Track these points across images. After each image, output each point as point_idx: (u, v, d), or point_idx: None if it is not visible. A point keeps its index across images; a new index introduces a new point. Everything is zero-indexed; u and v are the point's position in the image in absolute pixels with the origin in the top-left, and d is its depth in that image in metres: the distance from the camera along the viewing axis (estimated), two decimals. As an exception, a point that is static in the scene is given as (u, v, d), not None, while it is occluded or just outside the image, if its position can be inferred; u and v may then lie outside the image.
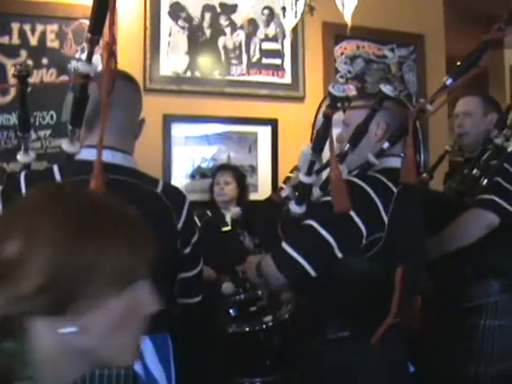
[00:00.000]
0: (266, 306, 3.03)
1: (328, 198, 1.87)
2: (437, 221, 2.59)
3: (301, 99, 4.25)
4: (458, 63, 2.04)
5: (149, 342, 1.73)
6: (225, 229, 3.53)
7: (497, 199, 2.50)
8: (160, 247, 1.78)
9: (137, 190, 1.77)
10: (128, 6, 3.81)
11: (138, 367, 1.70)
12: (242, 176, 3.79)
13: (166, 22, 3.93)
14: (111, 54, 1.63)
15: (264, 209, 2.53)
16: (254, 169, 4.13)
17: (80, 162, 1.80)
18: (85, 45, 3.66)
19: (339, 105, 1.84)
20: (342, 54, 4.44)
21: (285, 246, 1.87)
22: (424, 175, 2.93)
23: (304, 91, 4.26)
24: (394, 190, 1.93)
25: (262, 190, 4.04)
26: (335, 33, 4.29)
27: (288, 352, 2.72)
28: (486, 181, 2.51)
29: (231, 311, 3.05)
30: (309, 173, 1.91)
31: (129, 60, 3.72)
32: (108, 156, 1.73)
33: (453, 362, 2.60)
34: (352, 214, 1.82)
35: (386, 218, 1.88)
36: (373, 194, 1.88)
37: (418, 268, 2.17)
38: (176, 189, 2.00)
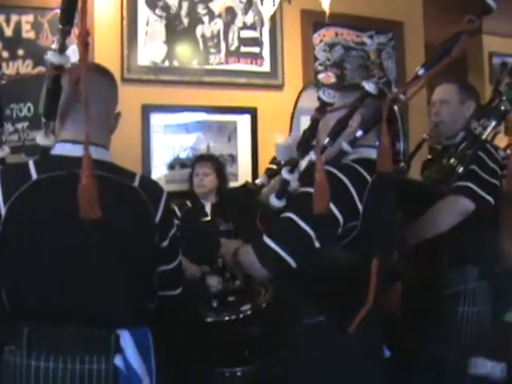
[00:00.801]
0: (243, 295, 3.05)
1: (305, 189, 1.89)
2: (415, 209, 2.61)
3: (280, 87, 4.24)
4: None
5: (129, 336, 1.74)
6: (205, 219, 3.52)
7: (472, 186, 2.53)
8: (138, 241, 1.79)
9: (114, 184, 1.77)
10: (104, -5, 3.77)
11: (118, 361, 1.71)
12: (221, 166, 3.77)
13: (143, 11, 3.89)
14: (85, 45, 1.61)
15: (238, 195, 2.55)
16: (233, 158, 4.12)
17: (55, 157, 1.79)
18: (60, 35, 3.64)
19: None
20: (320, 41, 4.43)
21: (266, 239, 1.89)
22: (402, 164, 2.94)
23: (283, 79, 4.25)
24: (369, 179, 1.95)
25: (242, 179, 4.01)
26: (314, 20, 4.27)
27: (267, 341, 2.74)
28: (461, 169, 2.53)
29: (213, 302, 3.07)
30: (292, 170, 1.95)
31: (106, 50, 3.70)
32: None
33: (431, 347, 2.63)
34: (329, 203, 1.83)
35: (360, 207, 1.90)
36: (347, 183, 1.90)
37: (392, 255, 2.20)
38: (153, 182, 2.00)
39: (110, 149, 1.88)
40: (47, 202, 1.71)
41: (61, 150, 1.78)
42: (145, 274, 1.85)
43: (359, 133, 2.04)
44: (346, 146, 2.03)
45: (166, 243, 1.88)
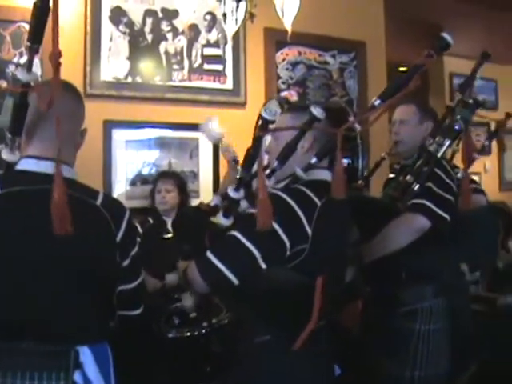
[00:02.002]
0: (206, 312, 3.05)
1: (254, 211, 1.90)
2: (372, 226, 2.64)
3: (242, 105, 4.27)
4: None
5: (89, 352, 1.74)
6: (166, 236, 3.52)
7: (428, 203, 2.55)
8: (99, 259, 1.79)
9: (77, 202, 1.74)
10: (68, 9, 3.75)
11: (77, 377, 1.71)
12: (183, 183, 3.77)
13: (106, 26, 3.89)
14: (57, 66, 1.61)
15: (189, 214, 2.56)
16: (195, 175, 4.11)
17: (20, 173, 1.80)
18: (23, 49, 3.61)
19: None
20: (283, 60, 4.48)
21: (209, 255, 1.90)
22: (359, 182, 2.97)
23: (245, 97, 4.28)
24: (318, 202, 1.97)
25: (203, 196, 4.01)
26: (277, 39, 4.31)
27: (229, 357, 2.74)
28: (417, 186, 2.56)
29: (175, 318, 3.06)
30: (237, 188, 1.95)
31: (69, 65, 3.66)
32: (49, 168, 1.71)
33: (389, 365, 2.64)
34: (275, 226, 1.85)
35: (309, 230, 1.92)
36: (296, 207, 1.92)
37: (342, 275, 2.24)
38: (116, 201, 2.00)
39: (74, 165, 1.90)
40: (9, 216, 1.71)
41: (25, 165, 1.80)
42: (105, 292, 1.86)
43: (314, 160, 2.07)
44: (300, 172, 2.05)
45: (127, 262, 1.88)
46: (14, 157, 1.91)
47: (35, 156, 1.79)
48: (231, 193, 1.95)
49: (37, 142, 1.81)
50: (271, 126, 1.87)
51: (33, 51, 1.74)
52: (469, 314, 3.27)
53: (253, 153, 1.91)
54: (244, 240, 1.87)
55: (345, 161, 2.18)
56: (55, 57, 1.54)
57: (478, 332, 3.45)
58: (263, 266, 1.88)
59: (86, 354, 1.73)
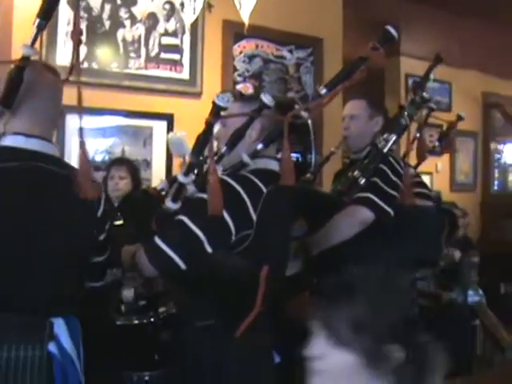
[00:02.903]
0: (155, 300, 3.05)
1: (201, 195, 1.94)
2: (319, 219, 2.68)
3: (198, 95, 4.28)
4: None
5: (63, 323, 1.80)
6: (117, 222, 3.50)
7: (372, 197, 2.60)
8: (79, 233, 1.85)
9: (60, 178, 1.85)
10: (24, -9, 3.70)
11: (52, 348, 1.77)
12: (136, 170, 3.78)
13: (64, 10, 3.84)
14: (78, 43, 1.83)
15: (139, 200, 2.56)
16: (148, 163, 4.12)
17: (8, 149, 1.84)
18: None
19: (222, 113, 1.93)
20: (240, 52, 4.50)
21: (157, 239, 1.93)
22: (308, 175, 3.01)
23: (201, 87, 4.28)
24: (264, 189, 2.01)
25: (155, 184, 3.98)
26: (235, 31, 4.33)
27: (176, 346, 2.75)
28: (363, 181, 2.61)
29: (121, 306, 3.05)
30: (186, 173, 1.98)
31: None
32: (37, 145, 1.83)
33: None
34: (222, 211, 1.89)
35: (254, 217, 1.96)
36: (242, 193, 1.95)
37: (283, 264, 2.26)
38: (94, 178, 2.07)
39: None
40: None
41: (13, 141, 1.84)
42: (80, 265, 1.92)
43: (260, 146, 2.10)
44: (246, 158, 2.08)
45: (103, 236, 1.97)
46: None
47: (23, 133, 1.84)
48: (180, 177, 1.98)
49: (25, 119, 1.86)
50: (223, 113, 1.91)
51: (41, 27, 1.84)
52: (416, 309, 3.35)
53: (203, 139, 1.93)
54: (191, 224, 1.90)
55: (294, 155, 2.21)
56: (76, 35, 1.76)
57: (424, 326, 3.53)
58: (209, 250, 1.90)
59: (60, 326, 1.79)
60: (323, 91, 2.10)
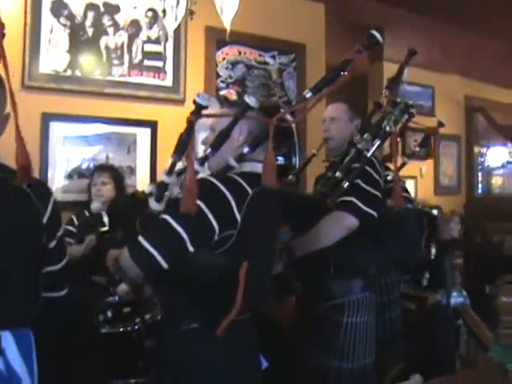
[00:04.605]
0: (140, 306, 3.05)
1: None
2: (302, 221, 2.70)
3: (181, 102, 4.29)
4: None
5: (11, 337, 1.73)
6: (103, 229, 3.51)
7: (356, 201, 2.62)
8: (22, 240, 1.79)
9: (2, 183, 1.78)
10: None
11: None
12: (119, 177, 3.78)
13: (47, 18, 3.87)
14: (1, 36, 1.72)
15: (127, 204, 2.56)
16: (132, 170, 4.13)
17: None
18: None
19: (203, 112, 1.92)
20: (223, 59, 4.53)
21: (140, 238, 1.91)
22: (290, 177, 3.03)
23: (184, 94, 4.31)
24: (250, 191, 2.00)
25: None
26: (217, 37, 4.35)
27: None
28: (347, 183, 2.64)
29: (108, 313, 3.05)
30: (169, 173, 1.98)
31: (7, 55, 3.63)
32: None
33: (317, 357, 2.70)
34: (205, 210, 1.89)
35: (238, 217, 1.95)
36: (227, 193, 1.94)
37: (269, 267, 2.26)
38: (41, 183, 2.04)
39: None
40: None
41: None
42: (30, 275, 1.85)
43: (246, 149, 2.10)
44: (232, 162, 2.07)
45: (53, 243, 1.90)
46: None
47: None
48: (163, 177, 1.98)
49: None
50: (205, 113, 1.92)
51: None
52: (399, 310, 3.39)
53: (185, 137, 1.93)
54: (173, 223, 1.88)
55: (278, 158, 2.21)
56: None
57: (408, 328, 3.57)
58: (191, 248, 1.89)
59: (7, 339, 1.72)
60: (308, 95, 2.11)
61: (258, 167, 2.11)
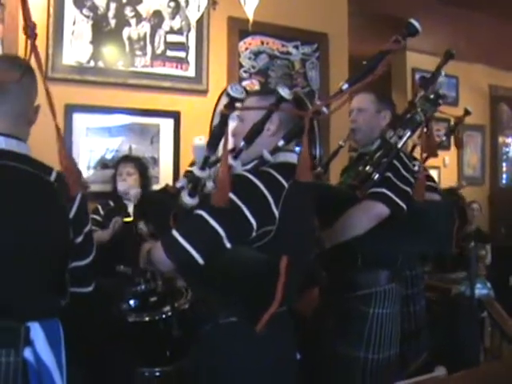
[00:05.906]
0: (166, 296, 3.06)
1: None
2: (331, 213, 2.69)
3: (204, 92, 4.28)
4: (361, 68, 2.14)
5: (39, 328, 1.74)
6: (127, 219, 3.52)
7: (387, 192, 2.62)
8: (49, 235, 1.80)
9: (28, 176, 1.79)
10: (30, -9, 3.71)
11: (28, 354, 1.71)
12: (144, 167, 3.79)
13: (70, 10, 3.86)
14: (33, 36, 1.72)
15: (158, 198, 2.55)
16: (155, 160, 4.12)
17: None
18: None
19: (237, 105, 1.88)
20: (246, 49, 4.50)
21: (174, 233, 1.89)
22: (318, 169, 3.01)
23: (207, 85, 4.29)
24: (285, 184, 1.98)
25: (163, 181, 3.99)
26: (240, 28, 4.32)
27: (189, 342, 2.76)
28: (377, 176, 2.62)
29: (131, 302, 3.07)
30: (203, 167, 1.94)
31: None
32: (1, 143, 1.78)
33: (343, 347, 2.69)
34: (242, 207, 1.87)
35: (276, 212, 1.93)
36: (263, 189, 1.92)
37: (307, 260, 2.24)
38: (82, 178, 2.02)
39: (28, 141, 1.91)
40: None
41: None
42: (57, 269, 1.85)
43: (281, 142, 2.07)
44: (267, 155, 2.05)
45: (80, 239, 1.89)
46: None
47: None
48: (196, 171, 1.95)
49: None
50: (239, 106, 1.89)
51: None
52: (424, 302, 3.37)
53: (218, 132, 1.90)
54: (210, 219, 1.86)
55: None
56: (31, 28, 1.61)
57: (432, 319, 3.55)
58: (228, 245, 1.88)
59: (36, 331, 1.73)
60: (345, 86, 2.07)
61: (290, 157, 2.09)
